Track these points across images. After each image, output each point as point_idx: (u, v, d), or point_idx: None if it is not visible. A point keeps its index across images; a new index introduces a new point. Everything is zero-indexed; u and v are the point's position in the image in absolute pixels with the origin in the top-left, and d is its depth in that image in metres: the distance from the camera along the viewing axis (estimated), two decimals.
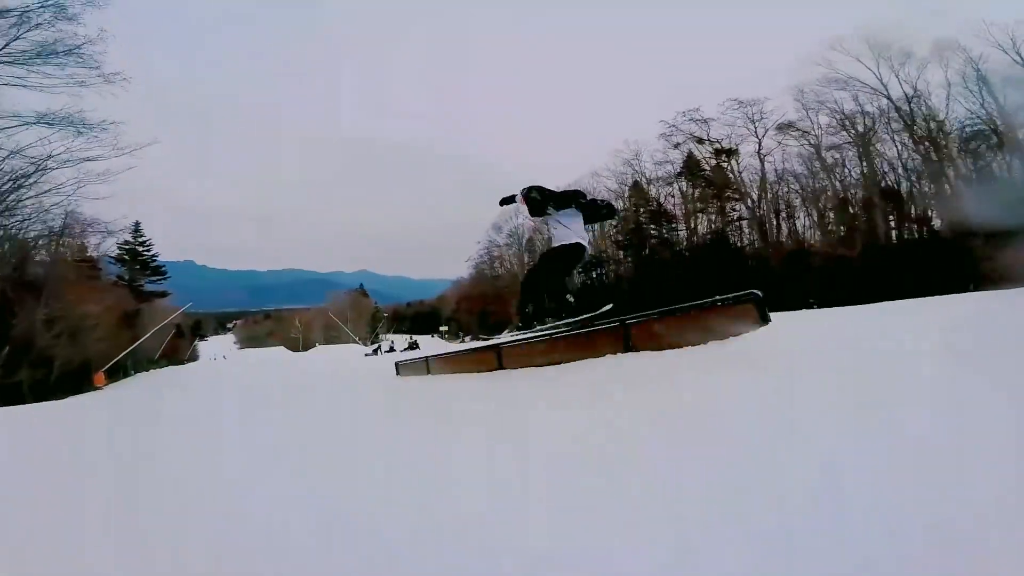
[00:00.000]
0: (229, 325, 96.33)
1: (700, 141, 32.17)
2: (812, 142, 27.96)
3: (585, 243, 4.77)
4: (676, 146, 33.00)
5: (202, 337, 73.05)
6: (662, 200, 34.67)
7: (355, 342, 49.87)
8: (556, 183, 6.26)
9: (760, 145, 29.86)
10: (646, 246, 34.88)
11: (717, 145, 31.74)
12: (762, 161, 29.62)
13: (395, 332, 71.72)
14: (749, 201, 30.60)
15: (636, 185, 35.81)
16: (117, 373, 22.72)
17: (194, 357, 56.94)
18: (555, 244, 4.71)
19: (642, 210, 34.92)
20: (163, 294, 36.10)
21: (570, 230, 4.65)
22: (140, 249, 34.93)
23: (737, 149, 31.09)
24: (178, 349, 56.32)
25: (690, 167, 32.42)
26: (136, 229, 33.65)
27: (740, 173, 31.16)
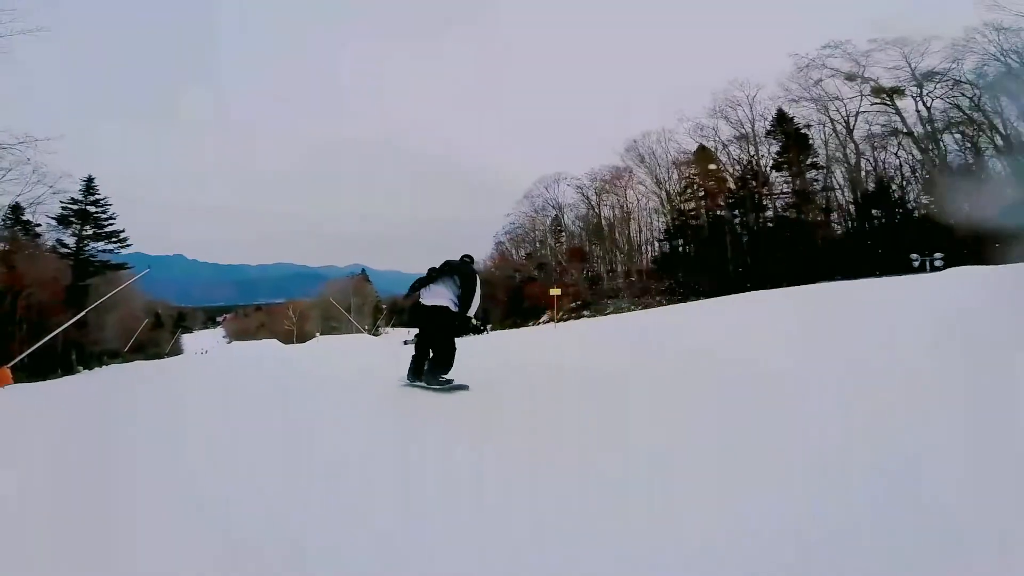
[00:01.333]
0: (219, 319, 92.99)
1: (851, 78, 26.45)
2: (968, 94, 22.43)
3: (447, 301, 5.08)
4: (817, 82, 27.45)
5: (186, 329, 67.09)
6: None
7: (361, 331, 44.11)
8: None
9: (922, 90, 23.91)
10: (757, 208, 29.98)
11: (874, 83, 26.26)
12: (928, 108, 23.73)
13: (394, 325, 69.19)
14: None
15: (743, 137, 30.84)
16: (56, 368, 16.91)
17: (177, 351, 51.84)
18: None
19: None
20: (121, 266, 29.75)
21: (438, 294, 5.16)
22: (92, 209, 28.53)
23: (903, 89, 25.56)
24: (157, 342, 50.52)
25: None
26: (89, 185, 27.28)
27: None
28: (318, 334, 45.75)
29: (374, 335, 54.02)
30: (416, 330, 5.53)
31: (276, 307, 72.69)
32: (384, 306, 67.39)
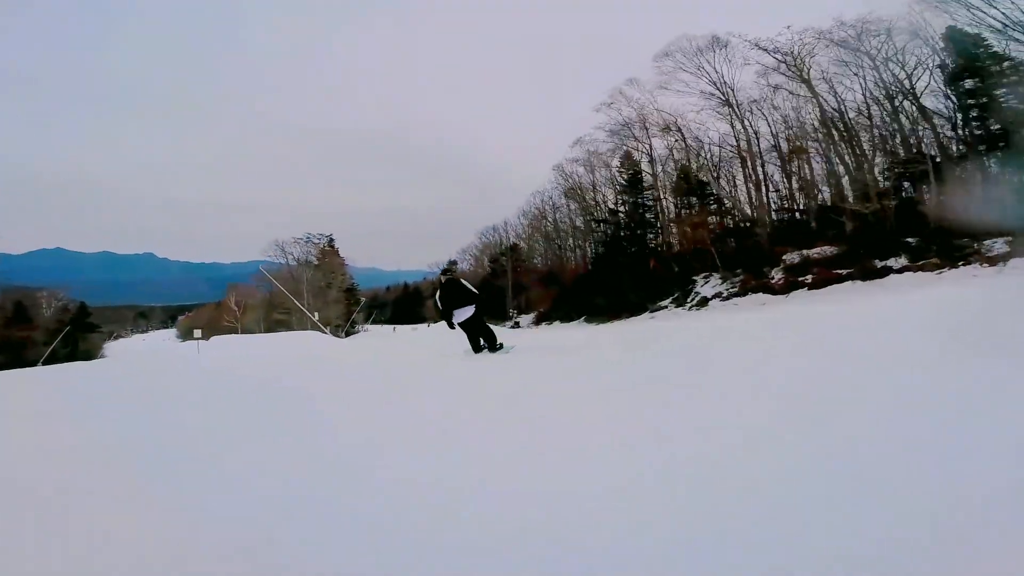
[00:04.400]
0: (182, 317, 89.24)
1: None
2: None
3: (472, 310, 7.11)
4: None
5: (99, 333, 52.90)
6: None
7: (318, 326, 29.63)
8: None
9: None
10: None
11: None
12: None
13: (374, 322, 61.23)
14: None
15: None
16: None
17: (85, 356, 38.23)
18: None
19: None
20: None
21: (464, 311, 7.11)
22: None
23: None
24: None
25: None
26: None
27: None
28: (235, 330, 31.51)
29: (342, 333, 39.65)
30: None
31: (225, 300, 59.71)
32: (363, 298, 54.80)
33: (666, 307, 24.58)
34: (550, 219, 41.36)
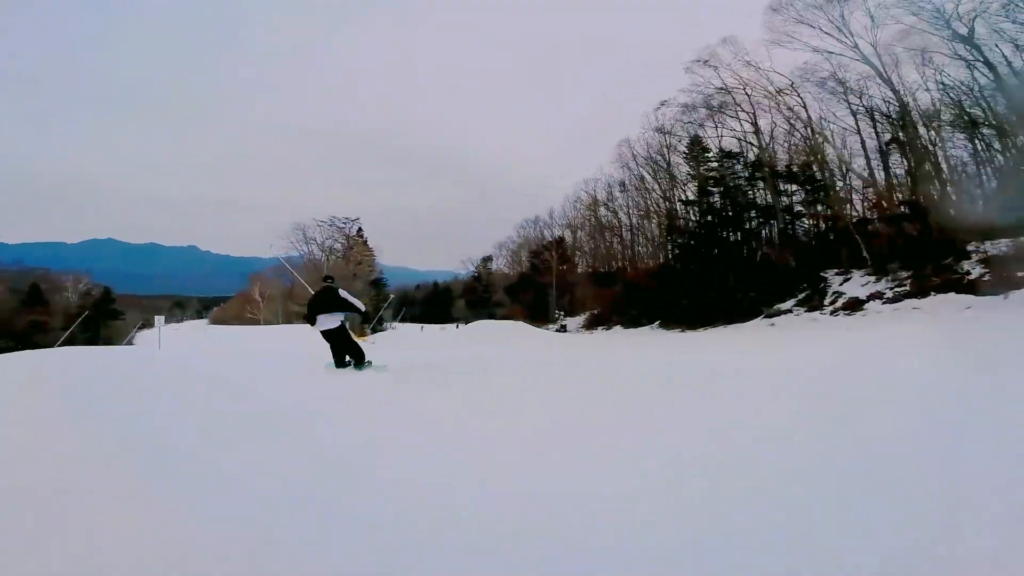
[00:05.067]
0: (216, 308, 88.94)
1: None
2: None
3: (338, 321, 6.84)
4: None
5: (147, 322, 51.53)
6: None
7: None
8: None
9: None
10: None
11: None
12: None
13: (402, 320, 56.32)
14: None
15: None
16: None
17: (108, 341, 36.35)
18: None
19: None
20: None
21: (329, 319, 6.85)
22: None
23: None
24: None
25: None
26: None
27: None
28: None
29: (369, 331, 35.11)
30: None
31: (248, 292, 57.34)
32: (392, 294, 50.81)
33: (789, 311, 18.66)
34: (609, 208, 35.62)
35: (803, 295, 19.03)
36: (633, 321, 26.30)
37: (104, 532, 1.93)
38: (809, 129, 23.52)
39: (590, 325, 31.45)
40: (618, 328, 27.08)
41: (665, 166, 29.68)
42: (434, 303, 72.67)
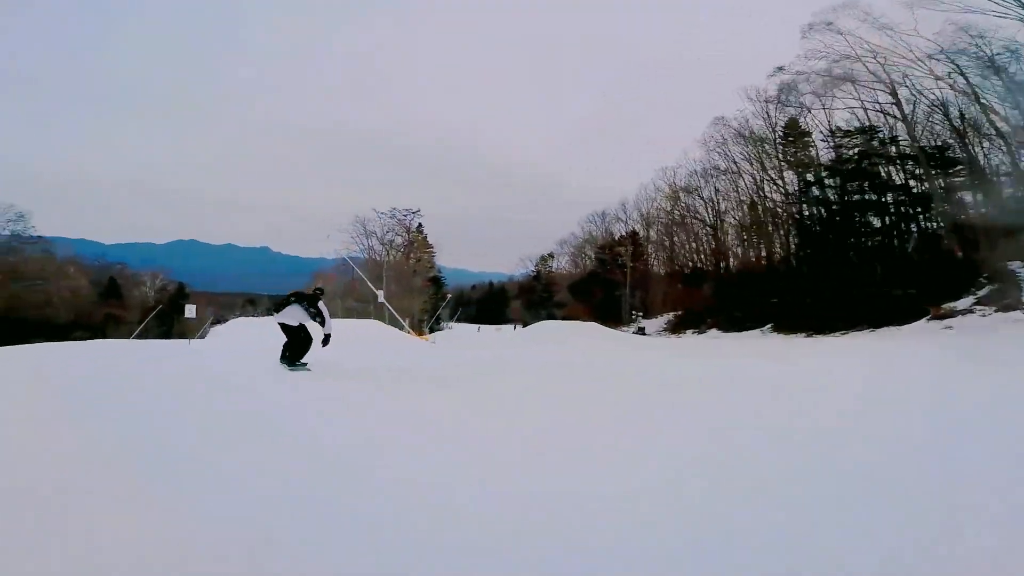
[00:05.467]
0: None
1: None
2: None
3: (297, 321, 6.95)
4: None
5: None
6: None
7: (400, 323, 23.38)
8: None
9: None
10: None
11: None
12: None
13: (458, 320, 56.57)
14: None
15: None
16: None
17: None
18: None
19: None
20: None
21: (293, 315, 6.98)
22: None
23: None
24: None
25: None
26: None
27: None
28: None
29: (426, 329, 33.37)
30: None
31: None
32: (449, 293, 49.49)
33: (968, 310, 14.34)
34: (697, 195, 31.52)
35: (984, 291, 14.59)
36: (734, 324, 22.36)
37: (103, 532, 1.92)
38: (968, 99, 18.74)
39: (676, 328, 27.66)
40: (714, 332, 23.21)
41: (775, 145, 25.44)
42: (489, 304, 71.27)
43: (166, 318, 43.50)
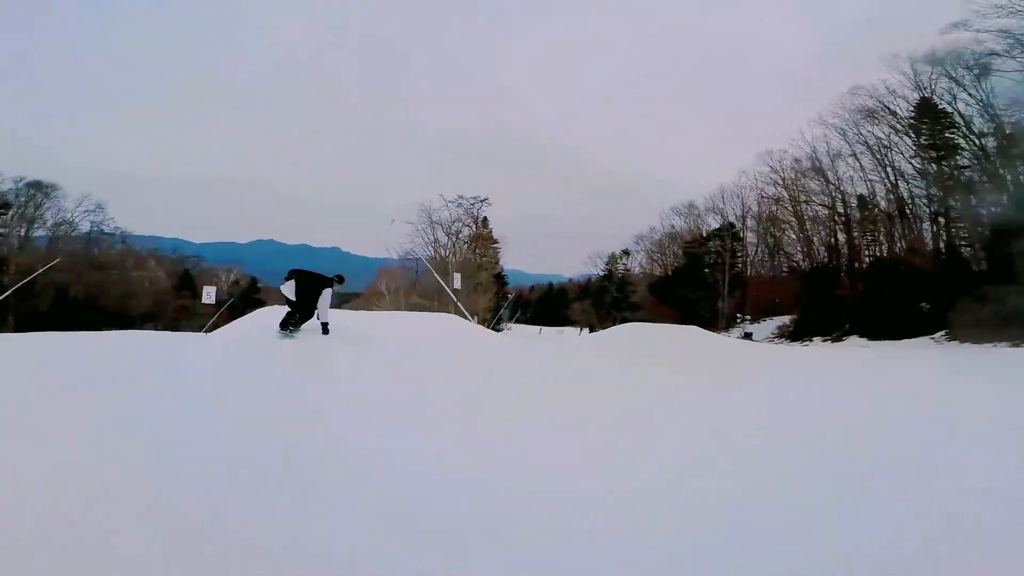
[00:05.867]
0: (350, 302, 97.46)
1: None
2: None
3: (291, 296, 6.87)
4: None
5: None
6: None
7: (467, 319, 20.51)
8: None
9: None
10: None
11: None
12: None
13: (517, 321, 52.85)
14: None
15: None
16: None
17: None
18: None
19: None
20: None
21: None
22: None
23: None
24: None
25: None
26: None
27: None
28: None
29: (492, 328, 30.49)
30: None
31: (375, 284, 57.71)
32: (510, 294, 46.87)
33: None
34: (827, 179, 26.29)
35: None
36: (884, 331, 17.40)
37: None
38: None
39: (795, 334, 22.81)
40: (855, 339, 18.33)
41: (934, 119, 20.04)
42: (548, 305, 68.14)
43: (237, 311, 44.41)
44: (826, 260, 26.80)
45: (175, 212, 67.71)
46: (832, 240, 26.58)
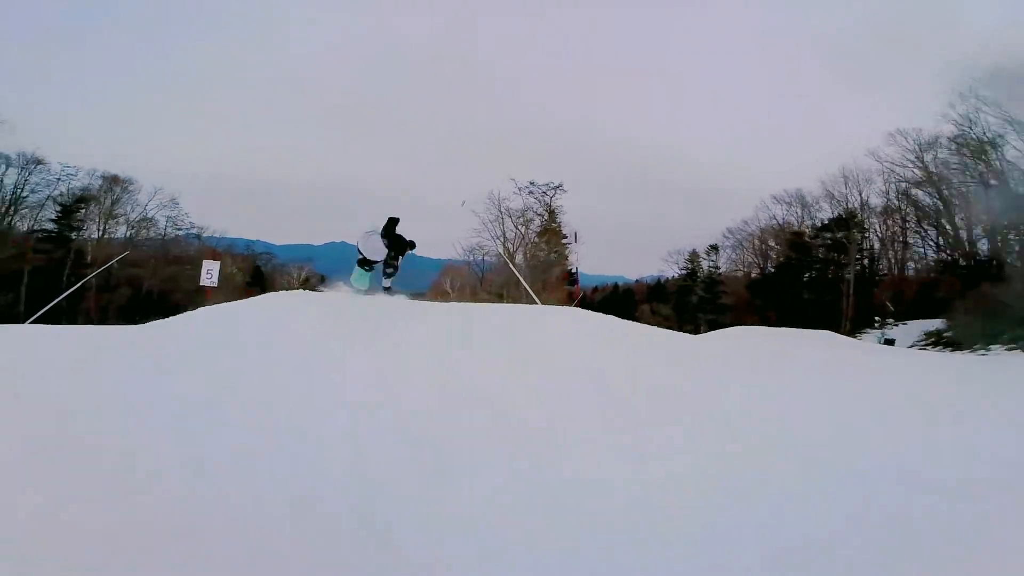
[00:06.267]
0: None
1: None
2: None
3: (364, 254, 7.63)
4: None
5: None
6: None
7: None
8: None
9: None
10: None
11: None
12: None
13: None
14: None
15: None
16: None
17: None
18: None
19: None
20: None
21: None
22: None
23: None
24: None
25: None
26: None
27: None
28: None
29: None
30: None
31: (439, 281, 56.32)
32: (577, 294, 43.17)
33: None
34: (986, 160, 20.79)
35: None
36: None
37: None
38: None
39: (954, 342, 17.79)
40: None
41: None
42: (613, 307, 63.58)
43: None
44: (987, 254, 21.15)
45: (259, 216, 70.89)
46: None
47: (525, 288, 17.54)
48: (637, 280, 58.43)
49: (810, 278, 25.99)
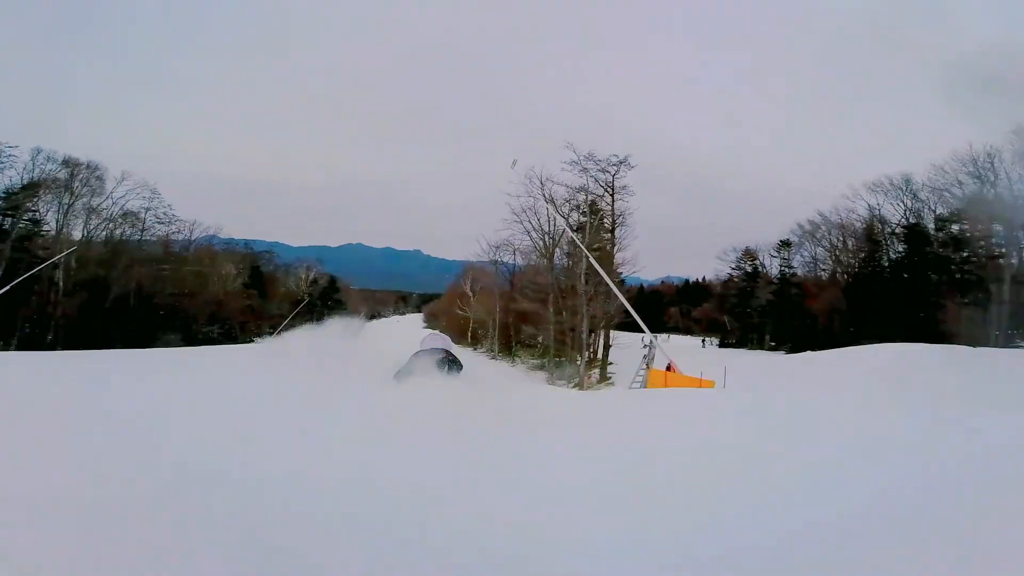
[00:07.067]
0: (431, 304, 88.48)
1: None
2: None
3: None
4: None
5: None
6: None
7: None
8: None
9: None
10: None
11: None
12: None
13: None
14: None
15: None
16: None
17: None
18: None
19: None
20: None
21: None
22: None
23: None
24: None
25: None
26: None
27: None
28: None
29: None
30: None
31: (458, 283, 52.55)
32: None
33: None
34: None
35: None
36: None
37: None
38: None
39: None
40: None
41: None
42: (639, 309, 58.27)
43: (314, 309, 40.83)
44: None
45: (278, 218, 68.03)
46: None
47: (592, 291, 12.49)
48: (662, 281, 52.91)
49: (942, 279, 20.45)
